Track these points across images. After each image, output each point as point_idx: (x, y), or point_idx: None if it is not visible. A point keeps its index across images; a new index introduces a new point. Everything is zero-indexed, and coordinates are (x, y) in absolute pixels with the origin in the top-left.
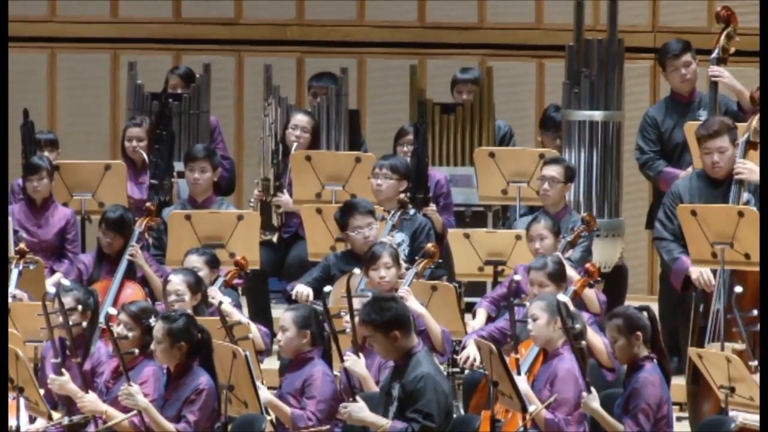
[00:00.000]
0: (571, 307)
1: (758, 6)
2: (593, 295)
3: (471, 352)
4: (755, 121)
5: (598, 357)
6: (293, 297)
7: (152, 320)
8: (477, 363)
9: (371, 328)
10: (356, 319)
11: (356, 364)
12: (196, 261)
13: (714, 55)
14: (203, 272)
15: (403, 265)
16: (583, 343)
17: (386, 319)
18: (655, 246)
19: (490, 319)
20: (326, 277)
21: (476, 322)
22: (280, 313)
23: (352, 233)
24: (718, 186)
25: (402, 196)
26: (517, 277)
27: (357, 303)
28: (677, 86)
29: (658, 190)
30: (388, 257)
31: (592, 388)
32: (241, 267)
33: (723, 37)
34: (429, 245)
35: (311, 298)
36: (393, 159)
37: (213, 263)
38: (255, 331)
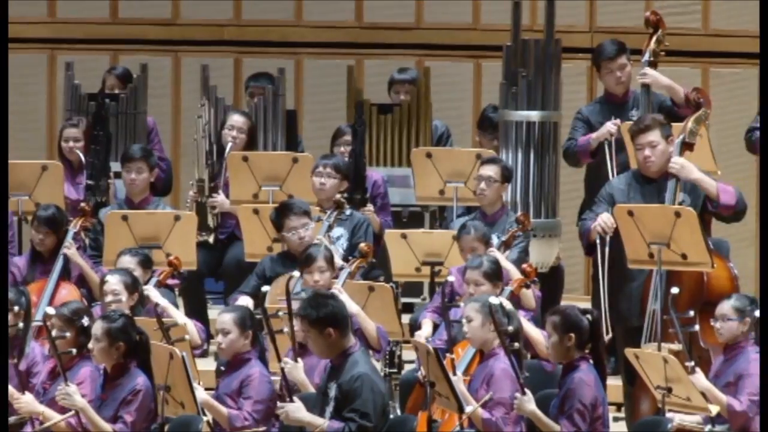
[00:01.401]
0: (508, 306)
1: (691, 7)
2: (529, 292)
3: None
4: (690, 122)
5: (536, 348)
6: None
7: (85, 320)
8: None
9: (306, 323)
10: (295, 322)
11: (295, 368)
12: (129, 262)
13: (645, 59)
14: (137, 273)
15: (339, 263)
16: (517, 344)
17: (322, 315)
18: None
19: (436, 327)
20: (264, 283)
21: (423, 331)
22: (216, 314)
23: (288, 234)
24: (652, 182)
25: (338, 196)
26: (450, 278)
27: (295, 305)
28: (612, 88)
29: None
30: (323, 261)
31: (527, 390)
32: (175, 267)
33: (653, 41)
34: (362, 245)
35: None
36: (335, 158)
37: (146, 264)
38: (191, 327)
